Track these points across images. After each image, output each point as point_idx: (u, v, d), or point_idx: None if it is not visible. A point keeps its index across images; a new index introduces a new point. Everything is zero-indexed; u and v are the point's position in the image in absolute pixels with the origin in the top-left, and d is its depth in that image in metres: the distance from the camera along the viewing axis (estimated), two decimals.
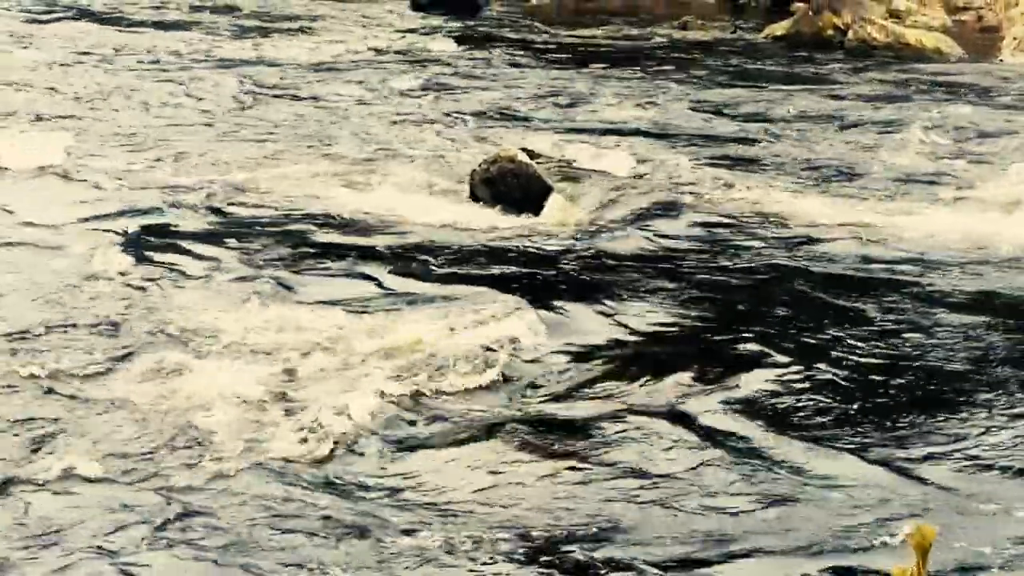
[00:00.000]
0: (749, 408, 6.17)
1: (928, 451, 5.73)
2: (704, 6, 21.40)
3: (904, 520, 4.98)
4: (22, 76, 14.36)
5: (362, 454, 5.68)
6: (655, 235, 8.94)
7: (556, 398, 6.32)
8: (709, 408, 6.15)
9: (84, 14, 19.50)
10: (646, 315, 7.41)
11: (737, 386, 6.40)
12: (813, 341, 6.98)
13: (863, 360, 6.72)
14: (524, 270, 8.23)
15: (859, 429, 5.95)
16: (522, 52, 16.89)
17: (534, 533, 5.04)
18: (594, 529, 5.07)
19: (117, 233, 8.73)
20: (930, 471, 5.55)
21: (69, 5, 20.30)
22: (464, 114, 12.89)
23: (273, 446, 5.66)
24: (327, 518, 5.11)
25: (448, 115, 12.84)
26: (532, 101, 13.65)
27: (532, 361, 6.73)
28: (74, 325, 7.01)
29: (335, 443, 5.69)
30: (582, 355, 6.84)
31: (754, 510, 5.22)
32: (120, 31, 17.94)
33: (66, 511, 5.10)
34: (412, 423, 5.99)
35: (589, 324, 7.26)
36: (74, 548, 4.84)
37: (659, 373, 6.57)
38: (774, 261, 8.39)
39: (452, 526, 5.07)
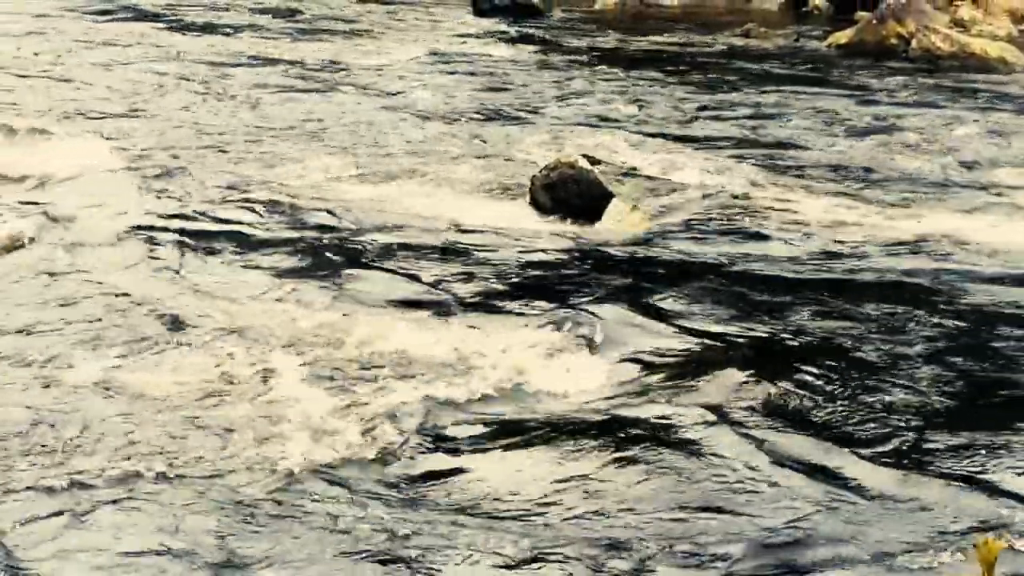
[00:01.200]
0: (807, 418, 6.13)
1: (1001, 464, 5.66)
2: (767, 13, 21.32)
3: (974, 534, 4.92)
4: (84, 76, 14.50)
5: (416, 459, 5.67)
6: (716, 243, 8.90)
7: (614, 405, 6.29)
8: (768, 418, 6.10)
9: (143, 15, 19.67)
10: (705, 324, 7.37)
11: (796, 396, 6.36)
12: (876, 354, 6.91)
13: (930, 372, 6.64)
14: (583, 276, 8.21)
15: (928, 442, 5.88)
16: (583, 57, 16.88)
17: (597, 540, 5.01)
18: (656, 537, 5.04)
19: (185, 235, 8.79)
20: (1005, 484, 5.47)
21: (127, 6, 20.48)
22: (524, 119, 12.89)
23: (329, 451, 5.66)
24: (392, 524, 5.10)
25: (508, 120, 12.85)
26: (593, 107, 13.63)
27: (591, 367, 6.71)
28: (129, 326, 7.06)
29: (397, 449, 5.69)
30: (641, 362, 6.81)
31: (822, 520, 5.17)
32: (182, 34, 18.07)
33: (123, 514, 5.12)
34: (463, 428, 5.98)
35: (647, 331, 7.22)
36: (131, 549, 4.86)
37: (717, 382, 6.52)
38: (837, 272, 8.33)
39: (512, 534, 5.05)
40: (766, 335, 7.23)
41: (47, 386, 6.27)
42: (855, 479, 5.53)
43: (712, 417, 6.08)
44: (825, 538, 5.04)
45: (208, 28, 18.59)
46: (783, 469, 5.60)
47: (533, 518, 5.19)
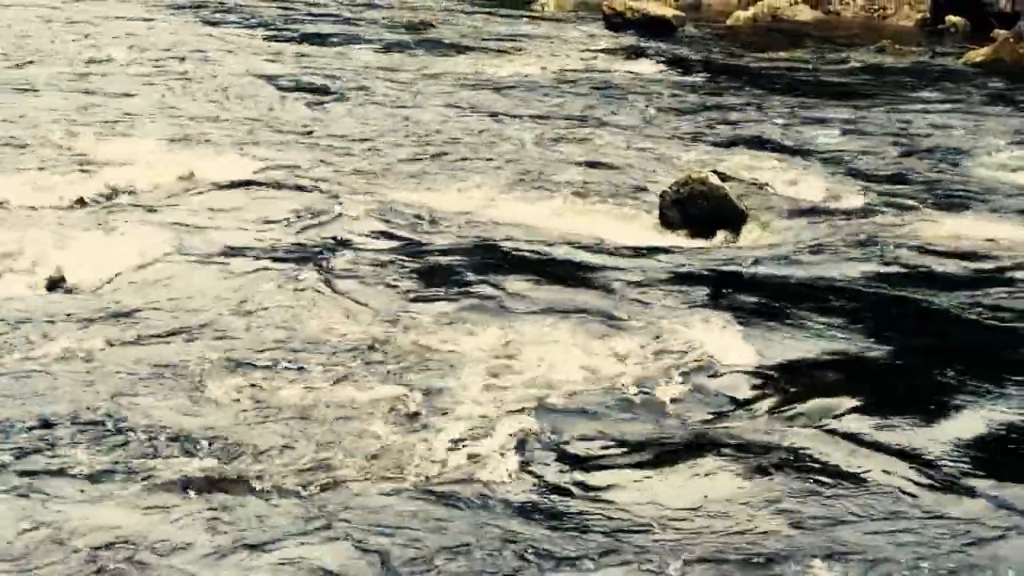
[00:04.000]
0: (940, 437, 6.05)
1: None
2: (902, 30, 21.11)
3: None
4: (206, 88, 14.77)
5: (551, 471, 5.70)
6: (845, 262, 8.82)
7: (746, 419, 6.28)
8: (905, 437, 6.04)
9: (264, 25, 19.98)
10: (835, 342, 7.31)
11: (930, 416, 6.29)
12: (1015, 378, 6.81)
13: None
14: (713, 293, 8.18)
15: None
16: (714, 73, 16.84)
17: (731, 556, 5.00)
18: (792, 552, 5.01)
19: (311, 246, 8.91)
20: None
21: (248, 16, 20.82)
22: (655, 135, 12.89)
23: (456, 461, 5.72)
24: (516, 539, 5.13)
25: (639, 135, 12.86)
26: (724, 123, 13.59)
27: (719, 383, 6.70)
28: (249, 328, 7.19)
29: (525, 462, 5.73)
30: (769, 378, 6.78)
31: (958, 539, 5.12)
32: (310, 45, 18.30)
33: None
34: (601, 442, 6.00)
35: (778, 349, 7.19)
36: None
37: (846, 400, 6.47)
38: (971, 295, 8.20)
39: (644, 549, 5.06)
40: (897, 354, 7.16)
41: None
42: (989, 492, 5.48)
43: (841, 435, 6.04)
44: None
45: (338, 41, 18.80)
46: (923, 489, 5.55)
47: (663, 535, 5.20)
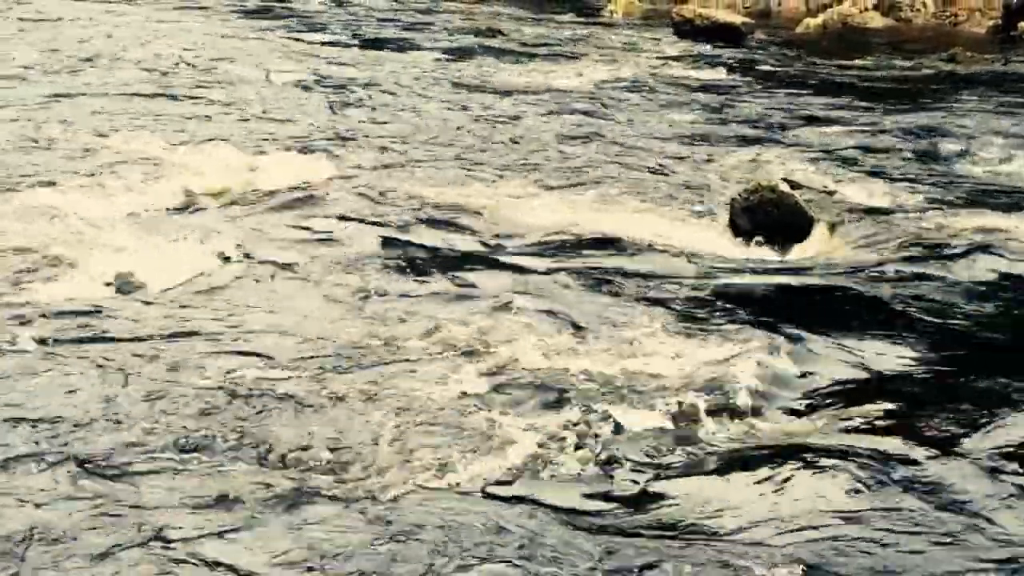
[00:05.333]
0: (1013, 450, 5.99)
1: None
2: (974, 36, 20.92)
3: None
4: (271, 93, 14.89)
5: (617, 478, 5.69)
6: (918, 272, 8.73)
7: (811, 431, 6.23)
8: (979, 448, 5.97)
9: (328, 31, 20.11)
10: (907, 352, 7.26)
11: (999, 427, 6.22)
12: None
13: None
14: (783, 302, 8.14)
15: None
16: (784, 80, 16.77)
17: (799, 570, 4.98)
18: (861, 567, 4.98)
19: (385, 254, 8.95)
20: None
21: (314, 22, 20.96)
22: (724, 141, 12.86)
23: (545, 466, 5.73)
24: (590, 543, 5.13)
25: (708, 142, 12.83)
26: (793, 130, 13.54)
27: (787, 394, 6.66)
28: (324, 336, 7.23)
29: (595, 468, 5.72)
30: (838, 391, 6.73)
31: None
32: (376, 51, 18.42)
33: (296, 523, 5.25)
34: (661, 450, 5.98)
35: (849, 359, 7.14)
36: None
37: (917, 411, 6.42)
38: None
39: (705, 559, 5.05)
40: (970, 368, 7.09)
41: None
42: None
43: (924, 443, 5.99)
44: None
45: (403, 48, 18.90)
46: (1011, 500, 5.50)
47: (743, 541, 5.18)
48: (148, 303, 7.83)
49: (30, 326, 7.26)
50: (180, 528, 5.13)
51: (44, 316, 7.44)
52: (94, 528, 5.11)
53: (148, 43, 18.31)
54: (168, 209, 9.98)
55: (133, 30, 19.56)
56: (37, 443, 5.81)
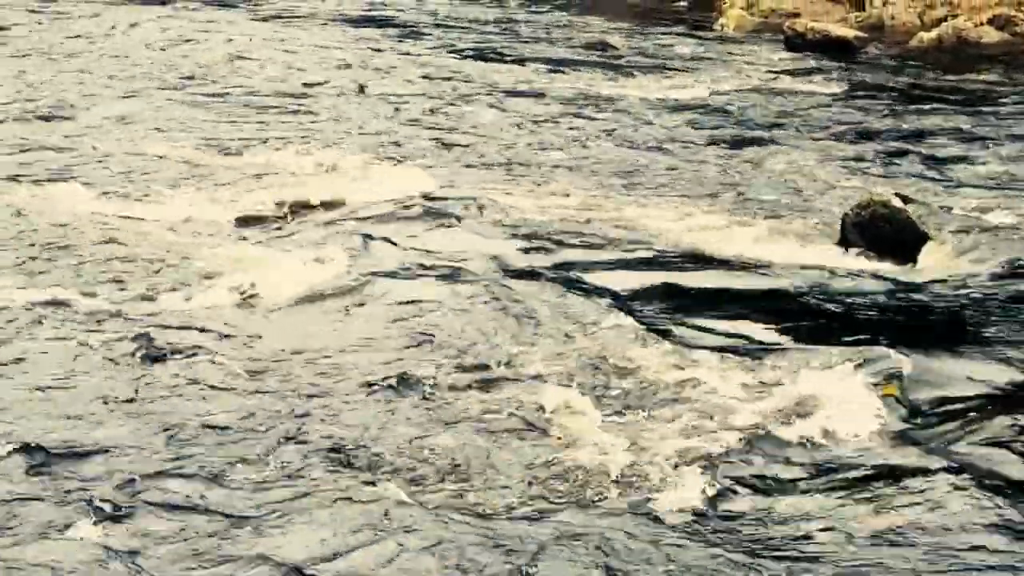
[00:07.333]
0: None
1: None
2: None
3: None
4: (382, 103, 15.11)
5: (730, 498, 5.79)
6: None
7: (927, 449, 6.26)
8: None
9: (434, 41, 20.26)
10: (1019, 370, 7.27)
11: None
12: None
13: None
14: (896, 317, 8.17)
15: None
16: (896, 95, 16.67)
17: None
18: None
19: (495, 266, 9.12)
20: None
21: (424, 33, 21.13)
22: (836, 155, 12.85)
23: (646, 488, 5.84)
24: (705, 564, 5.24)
25: (819, 156, 12.83)
26: (906, 144, 13.47)
27: (901, 410, 6.70)
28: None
29: (706, 488, 5.82)
30: (951, 408, 6.75)
31: None
32: (484, 63, 18.53)
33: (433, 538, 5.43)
34: (776, 466, 6.07)
35: (962, 375, 7.15)
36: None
37: None
38: None
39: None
40: None
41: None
42: None
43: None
44: None
45: (514, 59, 18.99)
46: None
47: (841, 559, 5.27)
48: (264, 309, 8.09)
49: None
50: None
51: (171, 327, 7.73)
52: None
53: (265, 55, 18.62)
54: (284, 217, 10.24)
55: (239, 43, 19.88)
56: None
